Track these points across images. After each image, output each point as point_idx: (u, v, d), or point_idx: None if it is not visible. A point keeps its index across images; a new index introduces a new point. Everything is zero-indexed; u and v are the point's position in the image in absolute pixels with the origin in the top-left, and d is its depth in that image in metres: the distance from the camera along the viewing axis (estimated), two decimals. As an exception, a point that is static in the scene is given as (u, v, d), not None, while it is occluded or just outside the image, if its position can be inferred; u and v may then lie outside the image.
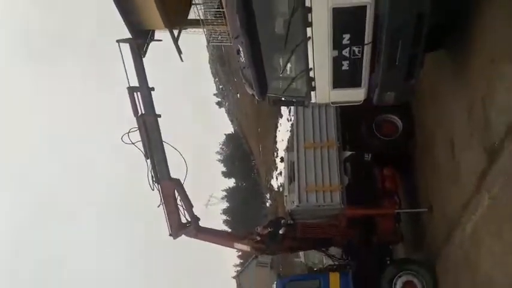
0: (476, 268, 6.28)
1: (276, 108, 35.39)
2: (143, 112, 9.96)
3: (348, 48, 5.48)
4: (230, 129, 67.47)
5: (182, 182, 10.24)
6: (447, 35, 6.34)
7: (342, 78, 5.81)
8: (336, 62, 5.62)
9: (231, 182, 67.58)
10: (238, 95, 54.42)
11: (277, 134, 40.76)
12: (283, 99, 6.69)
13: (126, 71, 9.82)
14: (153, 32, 11.97)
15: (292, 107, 23.87)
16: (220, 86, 66.91)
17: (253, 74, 6.01)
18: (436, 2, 5.19)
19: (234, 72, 50.68)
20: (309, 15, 5.25)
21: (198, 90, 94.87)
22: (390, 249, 10.16)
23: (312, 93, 6.08)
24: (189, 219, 10.45)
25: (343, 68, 5.67)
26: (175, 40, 13.01)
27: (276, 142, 41.19)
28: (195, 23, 13.70)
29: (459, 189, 6.75)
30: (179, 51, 13.43)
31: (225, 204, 67.55)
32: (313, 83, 5.93)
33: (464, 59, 6.11)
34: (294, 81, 6.09)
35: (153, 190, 10.04)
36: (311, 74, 5.83)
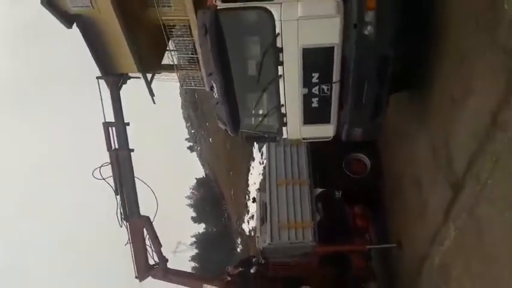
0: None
1: (248, 148, 35.58)
2: (117, 147, 10.02)
3: (317, 86, 5.78)
4: (201, 173, 66.80)
5: (152, 220, 10.05)
6: (411, 77, 6.77)
7: (312, 115, 6.07)
8: (306, 99, 5.90)
9: (200, 228, 65.94)
10: (210, 139, 54.57)
11: (249, 178, 40.64)
12: (255, 135, 6.85)
13: (102, 105, 10.10)
14: (127, 74, 12.22)
15: (264, 150, 24.16)
16: (193, 131, 67.04)
17: (226, 110, 6.18)
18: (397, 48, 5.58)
19: (206, 117, 51.11)
20: (280, 54, 5.53)
21: (170, 135, 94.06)
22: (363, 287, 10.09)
23: (284, 129, 6.29)
24: (157, 261, 10.17)
25: (313, 105, 5.95)
26: (149, 84, 13.28)
27: (248, 185, 40.98)
28: (169, 68, 14.02)
29: (427, 223, 6.92)
30: (152, 94, 13.67)
31: (193, 251, 65.37)
32: (284, 119, 6.16)
33: (427, 100, 6.48)
34: (266, 117, 6.29)
35: (121, 227, 9.82)
36: (282, 110, 6.06)
